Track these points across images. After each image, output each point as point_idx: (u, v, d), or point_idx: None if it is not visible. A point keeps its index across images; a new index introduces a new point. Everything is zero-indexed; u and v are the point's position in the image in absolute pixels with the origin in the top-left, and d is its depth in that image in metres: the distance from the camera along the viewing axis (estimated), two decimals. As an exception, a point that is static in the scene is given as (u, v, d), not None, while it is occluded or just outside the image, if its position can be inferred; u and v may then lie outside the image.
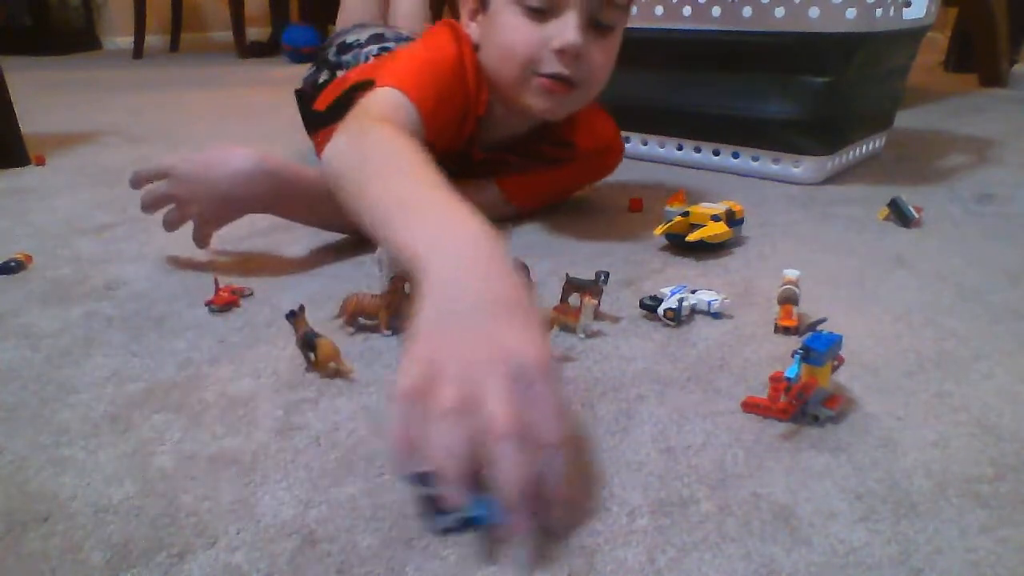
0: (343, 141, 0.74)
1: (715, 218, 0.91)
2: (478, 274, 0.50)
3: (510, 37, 0.84)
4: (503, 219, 1.02)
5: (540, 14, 0.82)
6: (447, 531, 0.45)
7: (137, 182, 0.88)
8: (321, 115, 1.12)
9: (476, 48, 0.92)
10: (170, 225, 0.87)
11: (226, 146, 0.85)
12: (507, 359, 0.44)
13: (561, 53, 0.82)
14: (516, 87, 0.87)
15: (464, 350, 0.45)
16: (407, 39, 1.28)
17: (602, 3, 0.82)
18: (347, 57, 1.24)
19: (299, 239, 0.97)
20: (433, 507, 0.45)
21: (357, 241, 0.96)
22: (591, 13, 0.82)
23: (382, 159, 0.68)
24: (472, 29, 0.92)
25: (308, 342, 0.63)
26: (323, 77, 1.25)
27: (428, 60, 0.89)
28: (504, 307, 0.47)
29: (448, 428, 0.42)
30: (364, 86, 0.90)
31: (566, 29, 0.81)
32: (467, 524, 0.44)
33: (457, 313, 0.47)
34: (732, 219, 0.93)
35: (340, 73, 1.21)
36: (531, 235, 0.99)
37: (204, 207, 0.85)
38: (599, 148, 1.07)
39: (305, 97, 1.28)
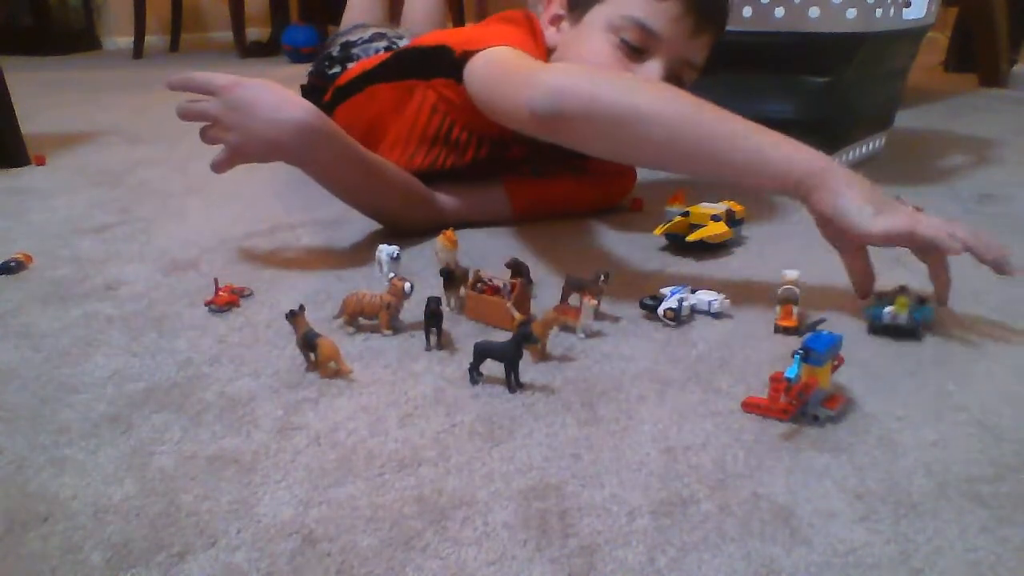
0: (594, 77, 0.75)
1: (715, 218, 0.91)
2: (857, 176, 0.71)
3: (600, 62, 0.86)
4: (501, 221, 1.02)
5: (633, 51, 0.85)
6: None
7: (181, 86, 0.85)
8: (343, 88, 1.11)
9: (549, 51, 0.93)
10: (208, 140, 0.86)
11: (282, 89, 0.84)
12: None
13: None
14: None
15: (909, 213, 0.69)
16: (410, 39, 1.28)
17: (685, 63, 0.87)
18: (356, 51, 1.24)
19: (299, 238, 0.97)
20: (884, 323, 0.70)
21: (357, 241, 0.96)
22: (674, 68, 0.87)
23: (682, 96, 0.74)
24: (550, 32, 0.92)
25: (308, 342, 0.63)
26: (335, 69, 1.24)
27: (519, 37, 0.90)
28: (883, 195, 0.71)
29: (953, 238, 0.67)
30: (439, 51, 0.91)
31: (652, 75, 0.85)
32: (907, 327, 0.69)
33: (876, 194, 0.70)
34: (732, 219, 0.93)
35: (351, 64, 1.20)
36: (531, 235, 0.99)
37: (244, 142, 0.83)
38: (613, 171, 1.07)
39: (314, 89, 1.27)
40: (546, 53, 0.94)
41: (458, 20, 3.55)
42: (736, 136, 0.72)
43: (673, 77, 0.87)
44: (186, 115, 0.86)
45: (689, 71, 0.89)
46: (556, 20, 0.92)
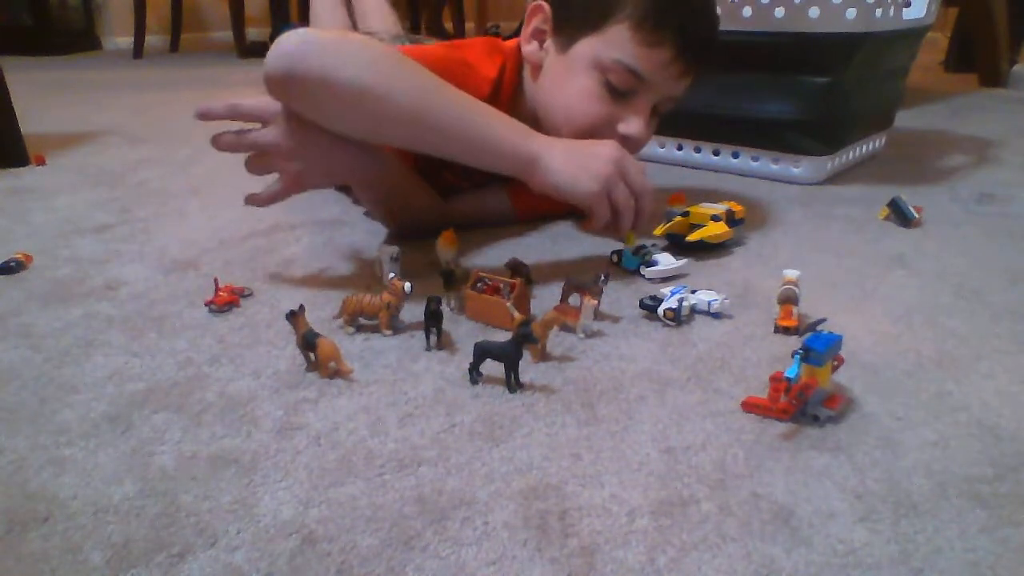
0: (332, 46, 0.73)
1: (715, 218, 0.91)
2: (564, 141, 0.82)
3: (584, 102, 0.87)
4: (504, 221, 1.02)
5: (617, 93, 0.86)
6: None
7: (227, 114, 0.79)
8: None
9: (533, 68, 0.93)
10: (259, 170, 0.81)
11: None
12: (621, 151, 0.81)
13: (625, 138, 0.87)
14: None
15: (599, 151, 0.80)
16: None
17: (666, 98, 0.88)
18: None
19: (299, 239, 0.97)
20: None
21: (357, 241, 0.96)
22: (655, 105, 0.88)
23: (420, 74, 0.77)
24: (532, 48, 0.92)
25: (308, 342, 0.63)
26: None
27: (477, 53, 0.91)
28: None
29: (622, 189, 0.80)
30: None
31: (635, 120, 0.87)
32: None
33: (578, 158, 0.80)
34: (732, 219, 0.93)
35: None
36: (531, 235, 0.99)
37: (310, 167, 0.80)
38: None
39: None
40: (515, 67, 0.94)
41: (458, 20, 3.55)
42: (473, 118, 0.77)
43: (653, 111, 0.88)
44: (233, 146, 0.79)
45: (668, 104, 0.90)
46: (539, 34, 0.92)
